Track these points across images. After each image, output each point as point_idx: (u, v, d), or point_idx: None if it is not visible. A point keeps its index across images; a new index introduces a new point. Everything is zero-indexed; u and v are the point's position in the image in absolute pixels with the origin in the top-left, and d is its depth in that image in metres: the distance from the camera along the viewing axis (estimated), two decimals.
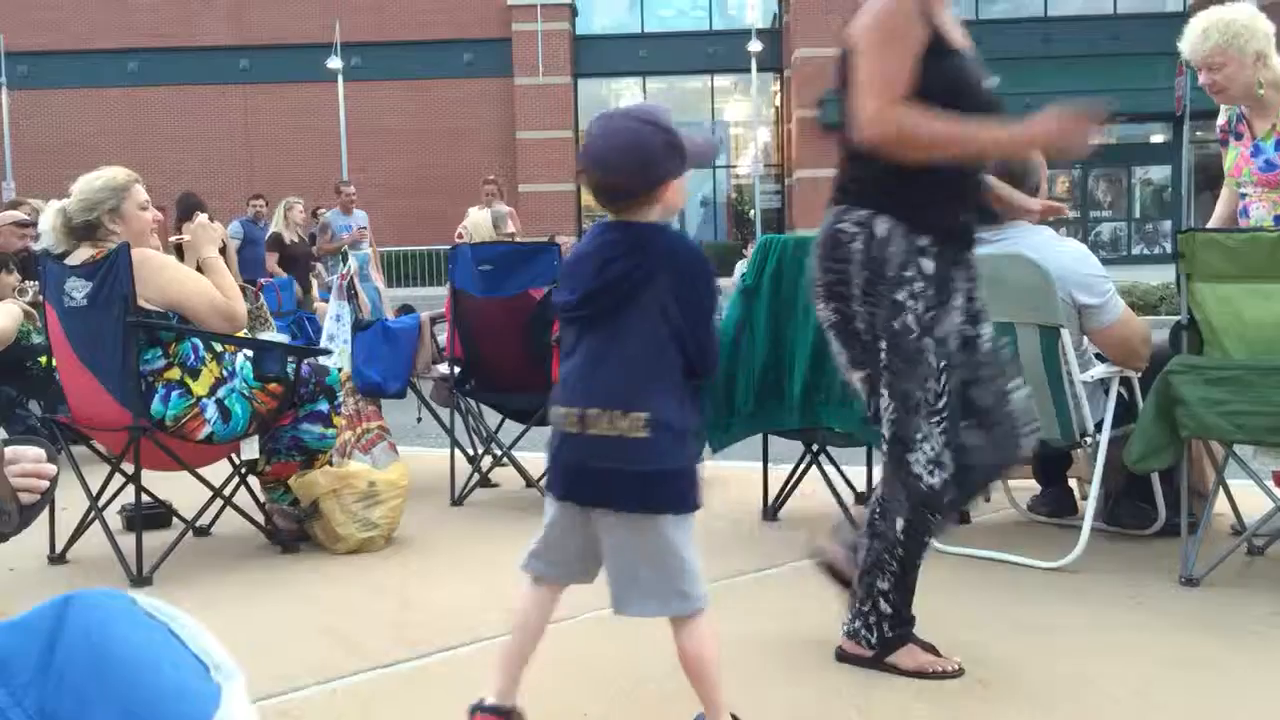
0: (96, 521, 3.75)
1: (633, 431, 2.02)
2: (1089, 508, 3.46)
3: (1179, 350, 3.39)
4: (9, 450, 1.53)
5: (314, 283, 10.39)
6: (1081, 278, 3.42)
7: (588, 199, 34.61)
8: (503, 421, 5.00)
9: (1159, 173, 32.70)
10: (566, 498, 2.15)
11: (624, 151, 2.10)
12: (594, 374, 2.09)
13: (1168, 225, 31.33)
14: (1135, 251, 31.88)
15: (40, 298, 4.24)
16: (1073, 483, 4.13)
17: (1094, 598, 3.13)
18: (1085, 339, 3.57)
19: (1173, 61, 20.70)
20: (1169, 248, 26.78)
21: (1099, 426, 3.45)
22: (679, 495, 2.09)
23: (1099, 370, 3.48)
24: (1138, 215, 32.89)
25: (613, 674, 2.65)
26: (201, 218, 4.10)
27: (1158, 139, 31.98)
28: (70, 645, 0.62)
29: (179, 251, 4.15)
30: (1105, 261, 3.67)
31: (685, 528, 2.11)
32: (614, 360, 2.07)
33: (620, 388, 2.05)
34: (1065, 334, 3.33)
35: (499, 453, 4.98)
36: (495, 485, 4.91)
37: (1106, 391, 3.50)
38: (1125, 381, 3.53)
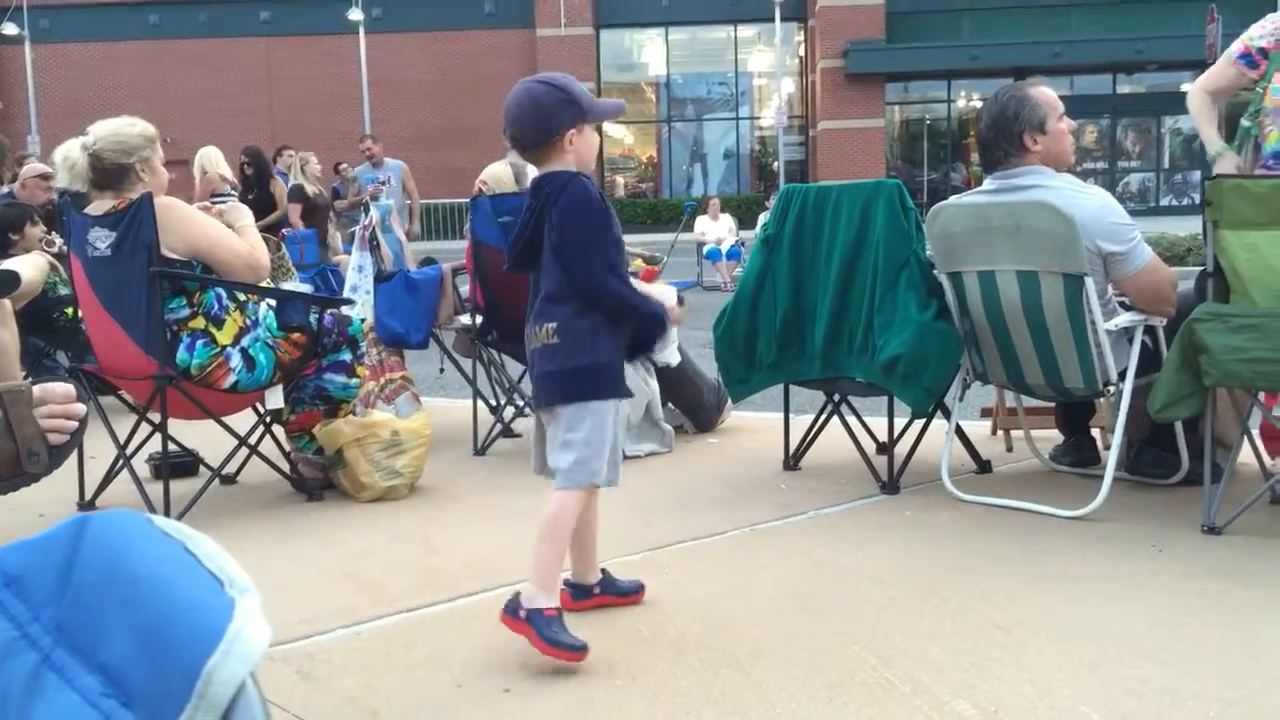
0: (125, 469, 3.80)
1: (549, 339, 2.45)
2: (1111, 457, 3.45)
3: (1204, 299, 3.36)
4: (37, 390, 1.54)
5: (336, 236, 10.42)
6: (1106, 225, 3.39)
7: (610, 150, 34.50)
8: (525, 372, 5.00)
9: (1189, 122, 32.18)
10: (536, 408, 2.59)
11: (522, 107, 2.48)
12: (533, 299, 2.52)
13: (1196, 176, 30.93)
14: (1164, 202, 31.53)
15: (65, 249, 4.27)
16: (1096, 432, 4.12)
17: (1115, 546, 3.13)
18: (1109, 287, 3.55)
19: (1204, 8, 20.34)
20: (1197, 199, 26.50)
21: (1123, 375, 3.43)
22: (584, 385, 2.43)
23: (1123, 319, 3.46)
24: (1166, 165, 32.48)
25: (631, 617, 2.68)
26: (231, 203, 4.14)
27: (1188, 87, 31.48)
28: (87, 562, 0.63)
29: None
30: (1133, 212, 3.64)
31: (593, 412, 2.43)
32: (540, 285, 2.50)
33: (541, 308, 2.48)
34: (1089, 282, 3.30)
35: (521, 403, 5.01)
36: (518, 435, 4.94)
37: (1130, 340, 3.48)
38: (1149, 330, 3.50)
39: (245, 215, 3.96)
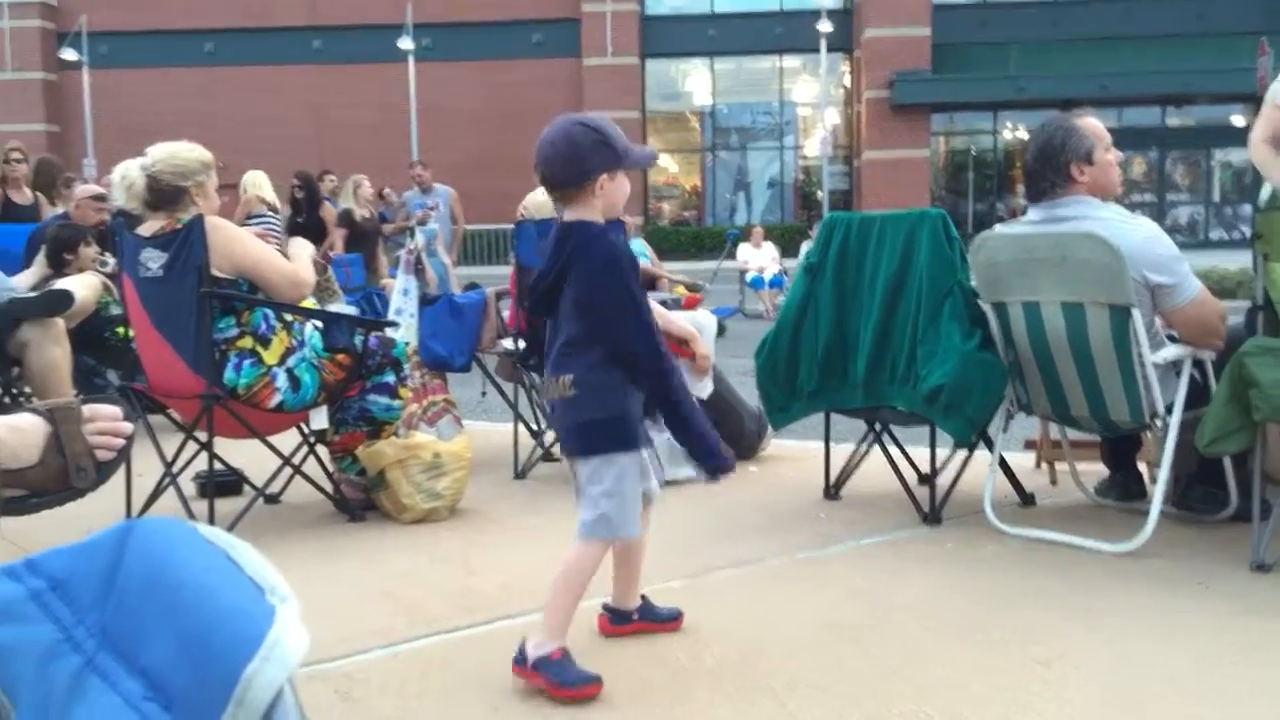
0: (171, 487, 3.85)
1: (566, 391, 2.41)
2: (1158, 491, 3.40)
3: (1254, 332, 3.32)
4: (86, 408, 1.57)
5: (383, 260, 10.51)
6: (1154, 257, 3.36)
7: (655, 178, 34.63)
8: None
9: (1239, 155, 31.79)
10: (567, 456, 2.58)
11: (556, 145, 2.42)
12: (550, 348, 2.50)
13: (1247, 209, 30.53)
14: (1213, 236, 31.14)
15: (118, 269, 4.35)
16: (1142, 466, 4.06)
17: (1161, 582, 3.08)
18: (1156, 320, 3.51)
19: (1254, 41, 20.13)
20: (1248, 232, 26.16)
21: (1170, 409, 3.39)
22: (603, 439, 2.41)
23: (1171, 351, 3.41)
24: (1216, 199, 32.10)
25: (668, 644, 2.67)
26: (294, 240, 4.22)
27: (1238, 121, 31.11)
28: (131, 568, 0.64)
29: (296, 232, 4.26)
30: (1182, 246, 3.60)
31: (614, 465, 2.41)
32: (558, 336, 2.46)
33: (559, 356, 2.45)
34: (1136, 314, 3.27)
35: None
36: (557, 460, 4.94)
37: (1178, 373, 3.43)
38: (1198, 363, 3.46)
39: (303, 248, 4.04)
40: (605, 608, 2.72)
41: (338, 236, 10.40)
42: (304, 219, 10.10)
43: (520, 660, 2.39)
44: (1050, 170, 3.49)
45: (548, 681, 2.34)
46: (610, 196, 2.45)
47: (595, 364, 2.40)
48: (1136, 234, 3.37)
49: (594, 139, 2.42)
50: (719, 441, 2.54)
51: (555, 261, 2.45)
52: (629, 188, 2.52)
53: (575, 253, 2.41)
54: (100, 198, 6.59)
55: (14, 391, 5.56)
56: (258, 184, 8.71)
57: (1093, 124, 3.53)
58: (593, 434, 2.42)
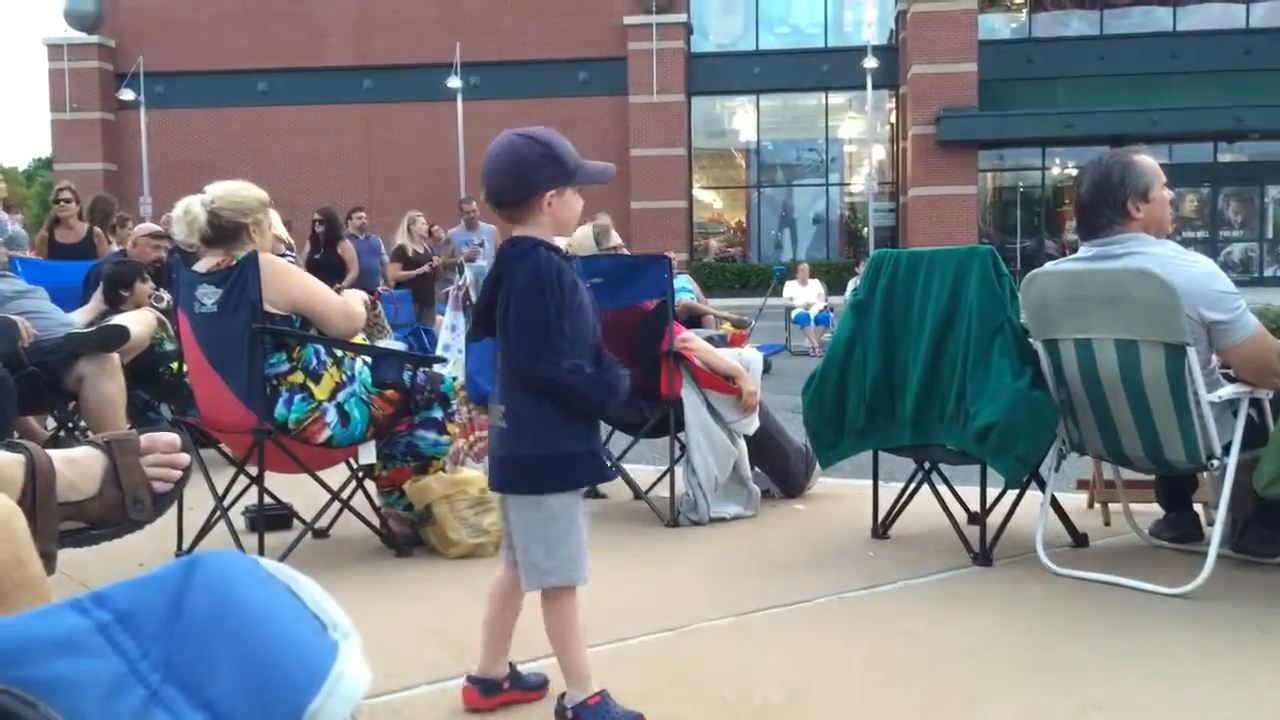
0: (221, 521, 3.89)
1: (499, 421, 2.29)
2: (1215, 533, 3.33)
3: None
4: (144, 439, 1.59)
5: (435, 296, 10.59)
6: (1210, 294, 3.31)
7: (700, 215, 34.71)
8: (612, 433, 5.03)
9: None
10: (493, 489, 2.45)
11: (500, 160, 2.30)
12: (495, 372, 2.37)
13: None
14: (1268, 273, 30.66)
15: (173, 305, 4.42)
16: (1198, 507, 3.99)
17: (1218, 626, 3.02)
18: (1213, 358, 3.45)
19: None
20: None
21: (1227, 449, 3.33)
22: (531, 477, 2.27)
23: (1227, 390, 3.36)
24: (1270, 235, 31.63)
25: (716, 682, 2.64)
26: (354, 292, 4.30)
27: None
28: (195, 601, 0.65)
29: (312, 267, 4.34)
30: (1236, 283, 3.55)
31: (542, 508, 2.27)
32: (500, 359, 2.32)
33: (500, 383, 2.33)
34: (1191, 352, 3.22)
35: (608, 463, 5.02)
36: (603, 496, 4.94)
37: (1235, 413, 3.37)
38: (1255, 402, 3.40)
39: (354, 294, 4.14)
40: (470, 679, 2.52)
41: (393, 270, 10.49)
42: (322, 255, 10.17)
43: (560, 713, 2.36)
44: (1107, 207, 3.45)
45: None
46: (559, 214, 2.32)
47: (526, 396, 2.26)
48: (1191, 270, 3.33)
49: (540, 153, 2.29)
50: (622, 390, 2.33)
51: (493, 279, 2.33)
52: (580, 206, 2.38)
53: (505, 266, 2.30)
54: (157, 235, 6.72)
55: (70, 426, 5.65)
56: (272, 222, 8.81)
57: (1149, 161, 3.50)
58: (519, 471, 2.29)
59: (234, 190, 3.81)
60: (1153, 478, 3.98)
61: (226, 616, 0.63)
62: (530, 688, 2.57)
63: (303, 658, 0.59)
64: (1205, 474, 3.65)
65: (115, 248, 7.20)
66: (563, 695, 2.37)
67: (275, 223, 8.65)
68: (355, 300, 4.06)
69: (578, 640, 2.37)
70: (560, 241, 2.43)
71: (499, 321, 2.29)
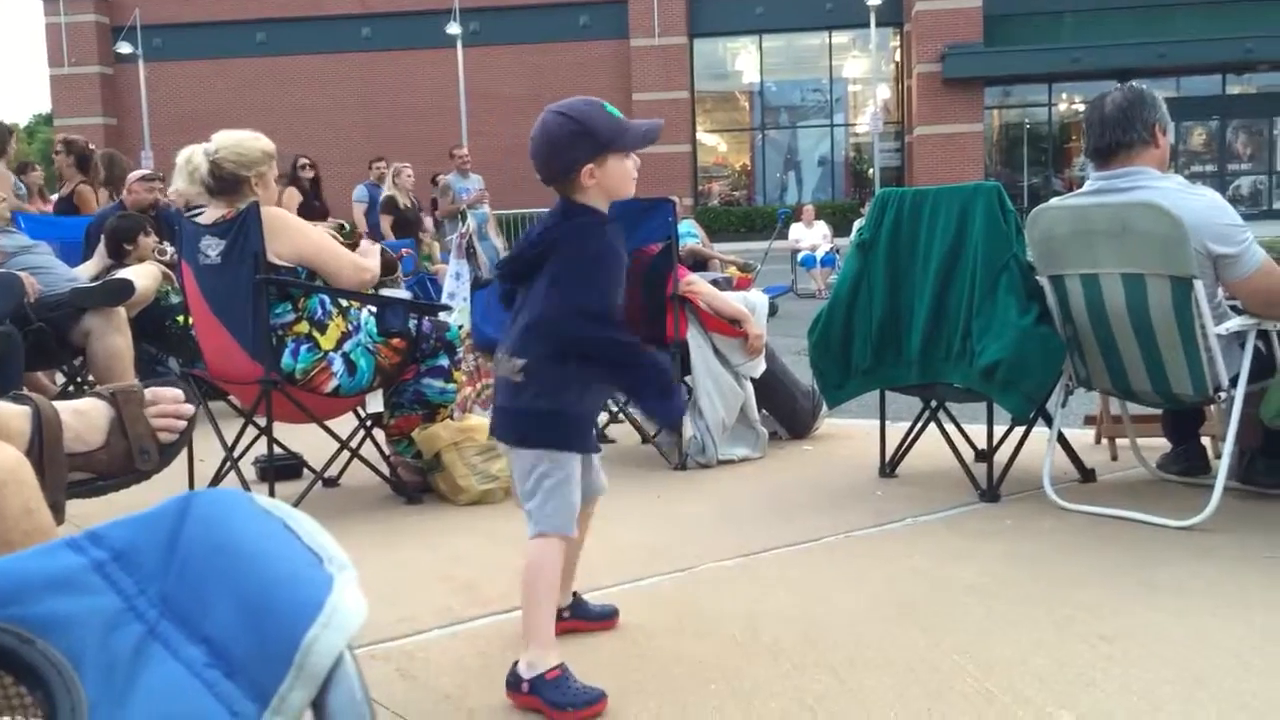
0: (232, 472, 3.91)
1: (514, 375, 2.27)
2: (1222, 465, 3.34)
3: None
4: (149, 391, 1.60)
5: (425, 246, 10.55)
6: (1216, 227, 3.29)
7: (704, 158, 34.50)
8: None
9: None
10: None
11: (537, 141, 2.33)
12: (513, 323, 2.34)
13: None
14: (1276, 205, 30.44)
15: (177, 258, 4.42)
16: (1206, 440, 3.99)
17: (1226, 557, 3.03)
18: (1220, 290, 3.43)
19: None
20: None
21: (1234, 381, 3.32)
22: (542, 432, 2.27)
23: (1234, 323, 3.35)
24: (1279, 168, 31.36)
25: (725, 622, 2.67)
26: (374, 246, 4.26)
27: None
28: (191, 537, 0.65)
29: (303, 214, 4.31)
30: (1245, 216, 3.52)
31: (558, 463, 2.28)
32: (523, 314, 2.31)
33: (517, 335, 2.29)
34: (1199, 285, 3.20)
35: (615, 408, 5.03)
36: (611, 441, 4.96)
37: (1242, 345, 3.36)
38: (1263, 334, 3.38)
39: (373, 249, 4.13)
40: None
41: (384, 223, 10.44)
42: (314, 202, 10.10)
43: (514, 684, 2.24)
44: (1139, 124, 3.41)
45: (546, 704, 2.19)
46: (605, 183, 2.31)
47: (552, 354, 2.24)
48: (1198, 203, 3.30)
49: (570, 129, 2.29)
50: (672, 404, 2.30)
51: (545, 236, 2.32)
52: (630, 169, 2.35)
53: (559, 237, 2.29)
54: (148, 178, 6.73)
55: (78, 380, 5.67)
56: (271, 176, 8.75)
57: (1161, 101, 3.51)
58: (533, 425, 2.28)
59: (239, 141, 3.77)
60: (1159, 412, 3.98)
61: (222, 552, 0.64)
62: (595, 617, 2.63)
63: (298, 590, 0.60)
64: (1212, 407, 3.65)
65: (113, 202, 7.18)
66: (516, 662, 2.27)
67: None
68: (373, 254, 4.05)
69: (551, 601, 2.30)
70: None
71: (546, 284, 2.26)
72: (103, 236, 5.89)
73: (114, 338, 4.98)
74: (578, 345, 2.23)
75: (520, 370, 2.25)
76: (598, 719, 2.19)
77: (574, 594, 2.64)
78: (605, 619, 2.65)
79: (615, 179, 2.33)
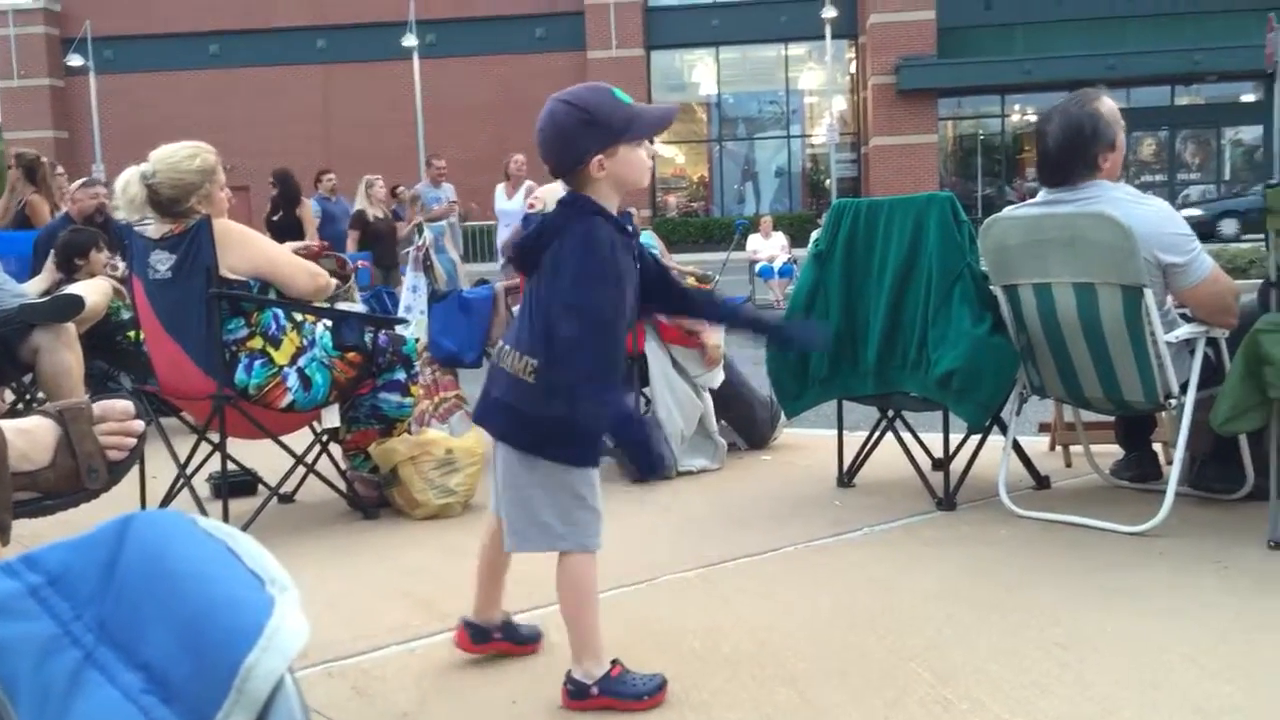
0: (185, 489, 3.86)
1: (524, 374, 2.19)
2: (1174, 471, 3.39)
3: (1268, 309, 3.29)
4: (97, 407, 1.57)
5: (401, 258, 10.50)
6: (1165, 236, 3.33)
7: (662, 169, 34.58)
8: None
9: (1250, 133, 31.67)
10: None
11: (546, 132, 2.20)
12: (520, 317, 2.27)
13: (1258, 187, 30.32)
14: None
15: (128, 272, 4.36)
16: (1157, 447, 4.04)
17: (1178, 562, 3.07)
18: (1169, 299, 3.48)
19: (1263, 17, 19.98)
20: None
21: (1184, 388, 3.36)
22: (557, 442, 2.20)
23: (1184, 330, 3.40)
24: (1227, 177, 31.91)
25: (684, 634, 2.66)
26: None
27: (1248, 98, 30.94)
28: (129, 560, 0.64)
29: (271, 230, 4.25)
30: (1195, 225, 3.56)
31: (565, 475, 2.23)
32: (530, 309, 2.22)
33: (527, 332, 2.20)
34: (1148, 294, 3.24)
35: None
36: None
37: (1192, 352, 3.41)
38: (1212, 342, 3.43)
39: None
40: (465, 623, 2.52)
41: (350, 239, 10.37)
42: (279, 217, 10.04)
43: (579, 693, 2.24)
44: (1079, 162, 3.43)
45: (623, 699, 2.22)
46: (616, 173, 2.21)
47: (572, 364, 2.13)
48: (1147, 213, 3.35)
49: (579, 119, 2.18)
50: (652, 450, 2.21)
51: (545, 224, 2.25)
52: (644, 158, 2.25)
53: (558, 230, 2.20)
54: (89, 183, 6.66)
55: (27, 397, 5.58)
56: (222, 182, 8.69)
57: (1111, 108, 3.48)
58: (547, 436, 2.20)
59: (175, 165, 3.64)
60: (1112, 419, 4.03)
61: (161, 576, 0.62)
62: (523, 640, 2.57)
63: (237, 613, 0.59)
64: (1164, 414, 3.70)
65: (59, 214, 7.07)
66: (569, 676, 2.26)
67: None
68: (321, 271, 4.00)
69: (593, 610, 2.28)
70: (546, 195, 2.34)
71: (546, 276, 2.19)
72: (53, 251, 5.80)
73: (63, 354, 4.90)
74: (562, 346, 2.12)
75: (533, 371, 2.17)
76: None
77: (505, 614, 2.57)
78: (532, 642, 2.59)
79: (627, 169, 2.23)
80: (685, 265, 13.30)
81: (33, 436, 1.52)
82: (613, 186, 2.23)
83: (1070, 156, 3.44)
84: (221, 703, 0.56)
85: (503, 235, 10.80)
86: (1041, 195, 3.59)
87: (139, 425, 1.61)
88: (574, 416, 2.16)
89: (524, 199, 11.14)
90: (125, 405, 1.59)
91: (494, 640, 2.53)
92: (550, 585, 2.32)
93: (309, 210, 10.28)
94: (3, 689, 0.57)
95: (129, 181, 3.62)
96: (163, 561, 0.63)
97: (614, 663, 2.28)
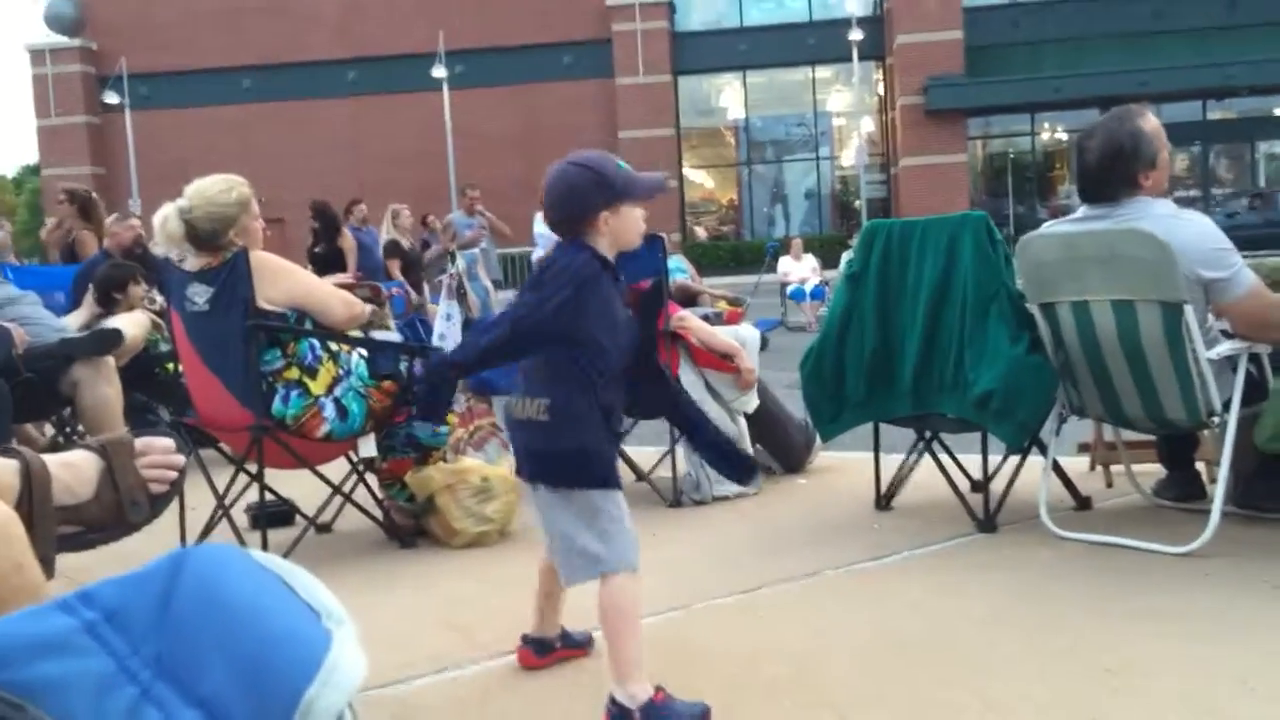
0: (224, 520, 3.88)
1: (538, 415, 2.33)
2: (1218, 490, 3.33)
3: None
4: (139, 442, 1.58)
5: (426, 287, 10.56)
6: (1205, 252, 3.30)
7: (691, 195, 34.66)
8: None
9: None
10: (518, 474, 2.52)
11: (554, 190, 2.42)
12: (526, 366, 2.42)
13: None
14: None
15: (166, 306, 4.40)
16: (1200, 466, 3.98)
17: (1226, 583, 3.02)
18: (1210, 315, 3.44)
19: None
20: None
21: (1227, 406, 3.32)
22: (579, 471, 2.34)
23: (1225, 347, 3.34)
24: (1262, 190, 31.59)
25: (723, 660, 2.64)
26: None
27: None
28: (185, 595, 0.64)
29: (313, 262, 4.30)
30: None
31: (595, 500, 2.34)
32: (535, 356, 2.40)
33: (533, 378, 2.38)
34: (1189, 310, 3.20)
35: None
36: None
37: (1234, 369, 3.36)
38: (1254, 358, 3.38)
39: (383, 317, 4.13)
40: (526, 639, 2.67)
41: (392, 267, 10.43)
42: (322, 249, 10.12)
43: (620, 716, 2.26)
44: (1118, 179, 3.40)
45: None
46: (617, 231, 2.42)
47: (574, 392, 2.32)
48: (1187, 229, 3.31)
49: (590, 178, 2.40)
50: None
51: (543, 267, 2.46)
52: (640, 219, 2.49)
53: (556, 258, 2.42)
54: (123, 216, 6.76)
55: (67, 430, 5.63)
56: (255, 214, 8.77)
57: (1155, 125, 3.44)
58: (578, 465, 2.34)
59: (211, 199, 3.70)
60: (1154, 438, 3.98)
61: (216, 610, 0.62)
62: (578, 644, 2.74)
63: (296, 649, 0.58)
64: (1206, 432, 3.65)
65: (99, 250, 7.16)
66: (612, 694, 2.28)
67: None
68: (356, 300, 4.03)
69: (636, 632, 2.32)
70: None
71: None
72: (91, 285, 5.87)
73: (103, 388, 4.95)
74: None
75: (546, 410, 2.32)
76: None
77: (561, 628, 2.72)
78: (586, 645, 2.76)
79: (627, 225, 2.43)
80: (716, 289, 13.33)
81: (76, 470, 1.54)
82: (611, 243, 2.43)
83: (1110, 174, 3.42)
84: None
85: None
86: (1081, 212, 3.57)
87: (180, 459, 1.63)
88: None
89: None
90: (166, 441, 1.61)
91: (555, 650, 2.70)
92: (590, 616, 2.31)
93: (350, 241, 10.37)
94: None
95: (167, 217, 3.67)
96: (218, 595, 0.63)
97: (658, 689, 2.28)
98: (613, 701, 2.27)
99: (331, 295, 3.84)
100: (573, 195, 2.40)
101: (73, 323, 5.65)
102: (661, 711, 2.24)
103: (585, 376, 2.32)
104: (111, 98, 32.55)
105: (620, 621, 2.31)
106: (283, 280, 3.72)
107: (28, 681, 0.58)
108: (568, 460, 2.34)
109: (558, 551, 2.41)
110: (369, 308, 4.04)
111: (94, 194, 8.23)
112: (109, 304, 5.75)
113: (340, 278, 4.25)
